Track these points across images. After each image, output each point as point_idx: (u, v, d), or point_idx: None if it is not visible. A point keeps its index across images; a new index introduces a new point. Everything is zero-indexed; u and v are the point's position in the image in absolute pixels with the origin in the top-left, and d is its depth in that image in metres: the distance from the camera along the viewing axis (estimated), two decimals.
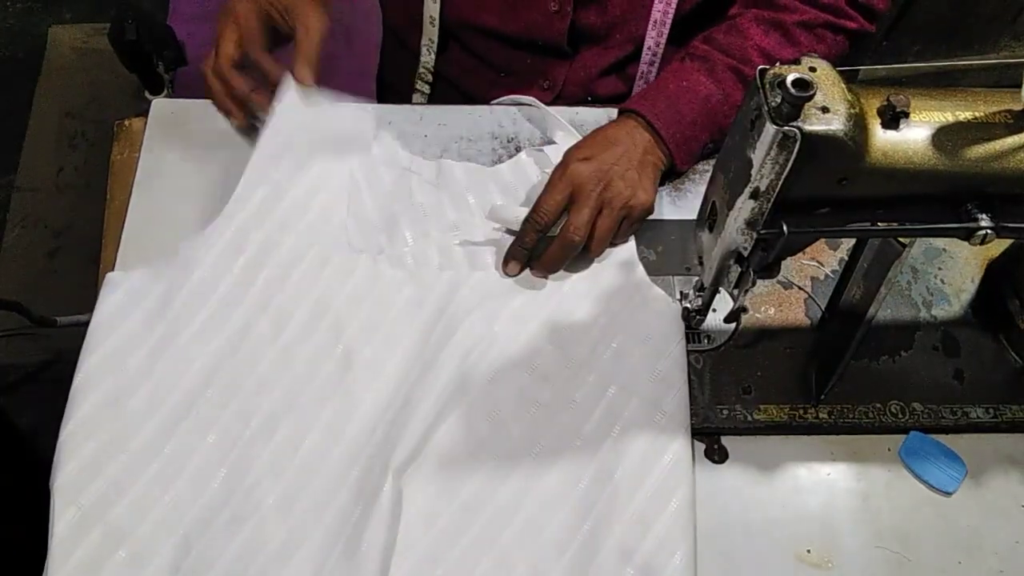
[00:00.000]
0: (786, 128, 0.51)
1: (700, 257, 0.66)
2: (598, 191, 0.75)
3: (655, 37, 0.87)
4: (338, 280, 0.75)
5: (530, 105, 0.87)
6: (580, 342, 0.74)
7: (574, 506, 0.67)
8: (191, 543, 0.64)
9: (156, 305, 0.73)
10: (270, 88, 0.78)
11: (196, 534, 0.65)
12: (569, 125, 0.84)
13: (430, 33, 0.92)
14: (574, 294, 0.76)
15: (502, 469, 0.69)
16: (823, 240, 0.81)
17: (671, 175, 0.83)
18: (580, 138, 0.82)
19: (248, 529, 0.65)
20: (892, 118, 0.54)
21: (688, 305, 0.74)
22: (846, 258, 0.77)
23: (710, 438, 0.72)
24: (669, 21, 0.86)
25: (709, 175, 0.63)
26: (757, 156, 0.53)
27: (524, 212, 0.76)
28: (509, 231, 0.78)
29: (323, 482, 0.67)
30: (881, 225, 0.60)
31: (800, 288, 0.79)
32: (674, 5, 0.84)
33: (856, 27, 0.82)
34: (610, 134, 0.79)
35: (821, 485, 0.71)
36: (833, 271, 0.80)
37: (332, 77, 0.81)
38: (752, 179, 0.54)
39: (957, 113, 0.55)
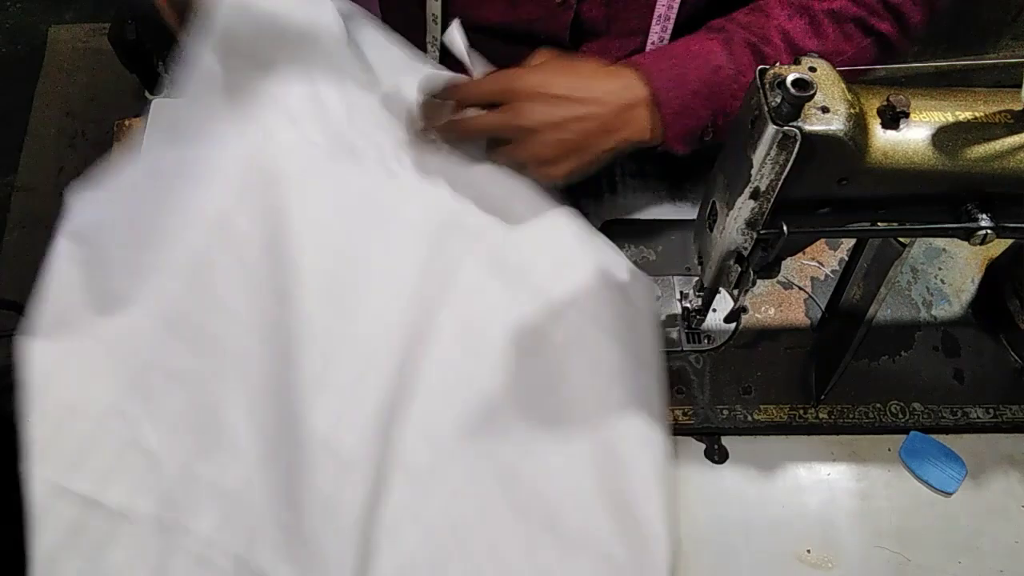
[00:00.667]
0: (786, 128, 0.51)
1: (700, 257, 0.66)
2: (527, 130, 0.69)
3: (659, 32, 0.86)
4: (298, 191, 0.69)
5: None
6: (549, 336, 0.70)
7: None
8: (174, 497, 0.63)
9: (100, 244, 0.69)
10: None
11: (179, 488, 0.63)
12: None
13: (433, 31, 0.92)
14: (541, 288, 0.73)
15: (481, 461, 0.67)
16: (823, 240, 0.81)
17: (667, 170, 0.81)
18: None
19: (230, 481, 0.63)
20: (892, 118, 0.54)
21: (688, 305, 0.74)
22: (846, 258, 0.77)
23: (710, 438, 0.72)
24: (673, 16, 0.85)
25: (709, 175, 0.63)
26: (757, 156, 0.53)
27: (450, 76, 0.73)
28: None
29: (296, 439, 0.64)
30: (881, 225, 0.60)
31: (800, 288, 0.79)
32: None
33: (887, 30, 0.75)
34: (597, 80, 0.70)
35: (821, 485, 0.71)
36: (833, 271, 0.80)
37: None
38: (752, 179, 0.54)
39: (957, 113, 0.55)
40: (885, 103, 0.54)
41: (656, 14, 0.85)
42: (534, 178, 0.74)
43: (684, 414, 0.72)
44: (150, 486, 0.63)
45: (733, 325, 0.76)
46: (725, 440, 0.72)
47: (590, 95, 0.70)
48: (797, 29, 0.73)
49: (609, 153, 0.72)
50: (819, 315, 0.77)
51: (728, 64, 0.72)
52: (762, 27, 0.74)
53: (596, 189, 0.84)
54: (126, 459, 0.64)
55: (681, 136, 0.72)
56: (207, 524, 0.63)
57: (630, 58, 0.74)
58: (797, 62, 0.53)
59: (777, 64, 0.52)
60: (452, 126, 0.73)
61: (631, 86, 0.71)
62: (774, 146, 0.52)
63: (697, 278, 0.70)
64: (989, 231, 0.56)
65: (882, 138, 0.54)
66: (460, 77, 0.75)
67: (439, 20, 0.91)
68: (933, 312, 0.78)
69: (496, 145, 0.74)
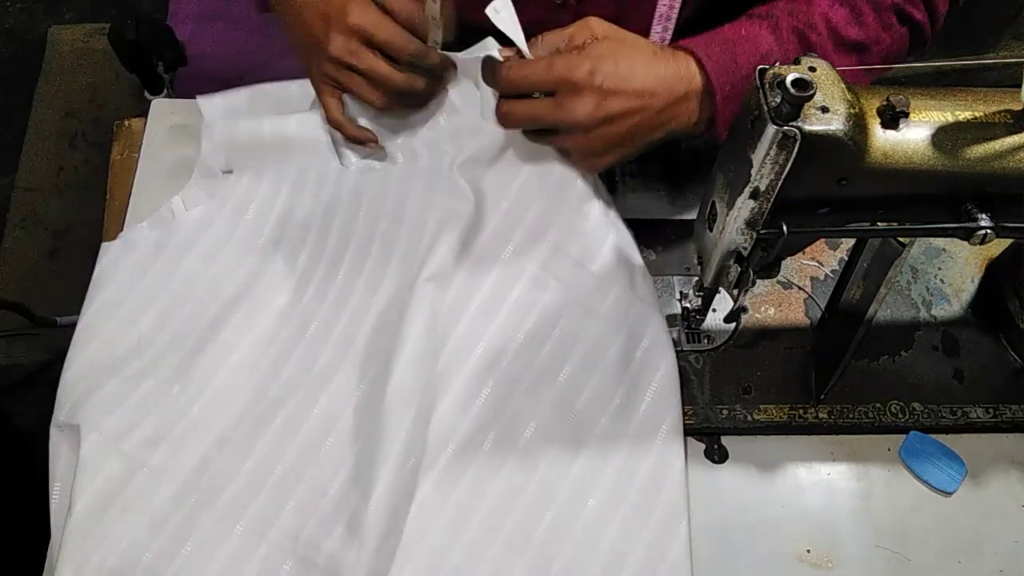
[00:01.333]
0: (786, 128, 0.51)
1: (700, 257, 0.66)
2: (577, 125, 0.68)
3: (660, 32, 0.86)
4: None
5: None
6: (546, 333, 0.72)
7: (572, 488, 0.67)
8: (209, 463, 0.68)
9: (153, 248, 0.77)
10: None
11: (215, 455, 0.68)
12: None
13: (435, 34, 0.92)
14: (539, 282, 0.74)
15: (498, 455, 0.68)
16: (823, 240, 0.81)
17: (667, 169, 0.81)
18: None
19: (258, 450, 0.68)
20: (892, 118, 0.54)
21: (688, 305, 0.74)
22: (846, 258, 0.77)
23: (710, 438, 0.72)
24: (675, 16, 0.85)
25: (709, 175, 0.63)
26: (757, 156, 0.53)
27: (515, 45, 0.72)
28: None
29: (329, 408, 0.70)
30: (881, 225, 0.60)
31: (800, 288, 0.79)
32: None
33: (921, 19, 0.75)
34: (651, 68, 0.68)
35: (821, 485, 0.71)
36: (833, 271, 0.80)
37: None
38: (752, 179, 0.54)
39: (957, 113, 0.55)
40: (885, 103, 0.54)
41: (657, 14, 0.85)
42: (575, 165, 0.74)
43: (684, 414, 0.72)
44: (189, 451, 0.68)
45: (733, 325, 0.76)
46: (725, 440, 0.72)
47: (644, 87, 0.68)
48: (840, 17, 0.72)
49: (656, 142, 0.71)
50: (819, 315, 0.77)
51: (777, 50, 0.70)
52: (807, 14, 0.72)
53: None
54: (172, 425, 0.69)
55: (727, 122, 0.70)
56: (235, 486, 0.67)
57: (680, 40, 0.72)
58: (797, 62, 0.53)
59: (777, 64, 0.52)
60: (498, 112, 0.71)
61: (686, 75, 0.69)
62: (774, 146, 0.52)
63: (697, 278, 0.70)
64: (989, 231, 0.56)
65: (882, 138, 0.54)
66: (508, 57, 0.73)
67: (440, 23, 0.91)
68: (933, 312, 0.78)
69: (540, 130, 0.73)
